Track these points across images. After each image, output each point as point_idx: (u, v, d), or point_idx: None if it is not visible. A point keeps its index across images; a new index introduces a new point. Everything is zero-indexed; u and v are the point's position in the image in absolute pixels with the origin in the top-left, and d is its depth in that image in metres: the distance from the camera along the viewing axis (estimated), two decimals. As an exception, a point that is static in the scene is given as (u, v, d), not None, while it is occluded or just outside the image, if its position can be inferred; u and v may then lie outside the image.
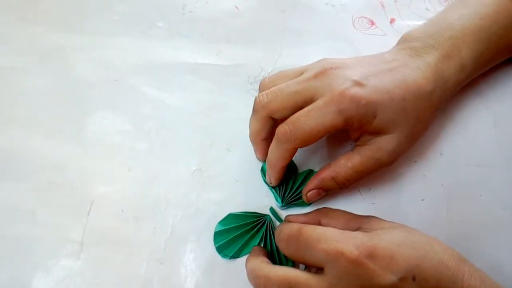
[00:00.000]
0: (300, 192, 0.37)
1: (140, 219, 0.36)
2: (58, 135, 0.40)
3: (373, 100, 0.31)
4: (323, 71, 0.33)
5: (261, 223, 0.36)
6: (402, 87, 0.32)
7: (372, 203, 0.37)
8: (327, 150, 0.39)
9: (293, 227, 0.30)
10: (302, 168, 0.38)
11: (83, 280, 0.34)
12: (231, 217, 0.36)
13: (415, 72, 0.33)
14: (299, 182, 0.37)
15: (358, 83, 0.32)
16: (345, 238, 0.27)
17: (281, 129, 0.32)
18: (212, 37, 0.45)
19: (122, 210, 0.37)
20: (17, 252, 0.36)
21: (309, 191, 0.35)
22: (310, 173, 0.38)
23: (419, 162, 0.38)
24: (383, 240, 0.27)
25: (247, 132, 0.37)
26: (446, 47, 0.35)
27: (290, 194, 0.37)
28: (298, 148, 0.34)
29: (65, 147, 0.40)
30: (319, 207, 0.35)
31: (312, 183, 0.35)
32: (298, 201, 0.37)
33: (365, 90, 0.31)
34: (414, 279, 0.26)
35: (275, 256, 0.35)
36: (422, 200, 0.37)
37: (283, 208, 0.37)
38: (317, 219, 0.33)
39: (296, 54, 0.44)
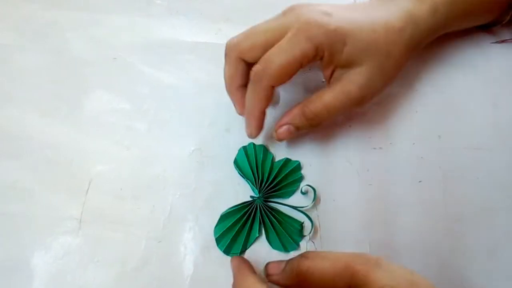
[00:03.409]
0: (278, 182, 0.36)
1: (139, 198, 0.37)
2: (56, 113, 0.40)
3: (342, 27, 0.31)
4: (291, 8, 0.33)
5: (253, 209, 0.36)
6: (370, 21, 0.32)
7: (370, 184, 0.37)
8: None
9: None
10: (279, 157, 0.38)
11: (82, 257, 0.35)
12: (224, 217, 0.36)
13: (385, 13, 0.33)
14: (276, 171, 0.37)
15: (326, 13, 0.32)
16: None
17: (254, 69, 0.32)
18: (212, 16, 0.44)
19: (121, 188, 0.37)
20: (16, 229, 0.36)
21: (280, 127, 0.34)
22: (287, 161, 0.37)
23: (417, 144, 0.38)
24: None
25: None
26: None
27: (267, 184, 0.36)
28: (276, 87, 0.33)
29: (63, 125, 0.39)
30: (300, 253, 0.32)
31: (283, 119, 0.34)
32: (276, 192, 0.36)
33: (333, 19, 0.31)
34: None
35: (275, 234, 0.35)
36: (419, 182, 0.37)
37: (261, 198, 0.36)
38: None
39: (296, 34, 0.43)
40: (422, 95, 0.40)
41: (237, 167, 0.37)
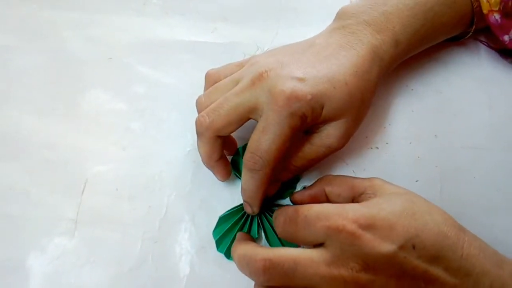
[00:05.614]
0: None
1: (135, 198, 0.37)
2: (52, 114, 0.40)
3: (317, 93, 0.31)
4: (259, 77, 0.32)
5: None
6: (341, 71, 0.32)
7: (367, 184, 0.37)
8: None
9: (288, 210, 0.30)
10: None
11: (77, 258, 0.35)
12: (222, 220, 0.36)
13: (350, 53, 0.33)
14: None
15: (298, 79, 0.31)
16: (344, 212, 0.27)
17: (249, 159, 0.31)
18: (208, 15, 0.44)
19: (117, 189, 0.37)
20: (11, 230, 0.36)
21: None
22: None
23: (414, 144, 0.38)
24: (383, 210, 0.27)
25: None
26: (380, 22, 0.34)
27: None
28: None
29: (59, 126, 0.39)
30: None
31: None
32: (272, 193, 0.36)
33: (307, 85, 0.31)
34: (414, 247, 0.26)
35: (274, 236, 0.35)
36: (416, 181, 0.37)
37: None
38: (321, 188, 0.33)
39: (293, 34, 0.43)
40: (418, 94, 0.40)
41: (234, 167, 0.37)
